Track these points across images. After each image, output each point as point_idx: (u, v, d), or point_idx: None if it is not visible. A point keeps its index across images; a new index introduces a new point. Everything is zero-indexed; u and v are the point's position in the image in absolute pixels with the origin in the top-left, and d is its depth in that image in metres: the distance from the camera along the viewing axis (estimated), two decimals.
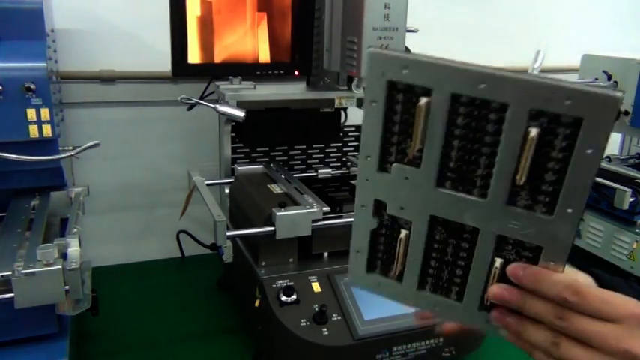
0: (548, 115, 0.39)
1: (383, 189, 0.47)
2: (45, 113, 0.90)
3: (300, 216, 0.99)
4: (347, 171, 1.39)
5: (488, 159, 0.43)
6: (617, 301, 0.43)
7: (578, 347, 0.43)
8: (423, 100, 0.42)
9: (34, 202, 1.04)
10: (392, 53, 0.43)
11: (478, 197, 0.44)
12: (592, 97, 0.38)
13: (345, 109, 1.37)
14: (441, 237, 0.47)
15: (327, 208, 1.01)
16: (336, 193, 1.27)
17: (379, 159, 0.46)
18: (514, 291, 0.46)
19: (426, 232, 0.47)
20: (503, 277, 0.46)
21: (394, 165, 0.46)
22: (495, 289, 0.46)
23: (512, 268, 0.46)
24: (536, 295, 0.45)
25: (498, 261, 0.46)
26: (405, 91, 0.43)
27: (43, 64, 0.90)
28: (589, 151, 0.39)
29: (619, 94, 0.37)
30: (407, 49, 1.11)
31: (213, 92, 1.26)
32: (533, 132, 0.40)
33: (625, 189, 1.34)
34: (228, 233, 0.96)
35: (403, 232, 0.48)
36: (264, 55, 1.18)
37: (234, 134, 1.27)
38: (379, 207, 0.48)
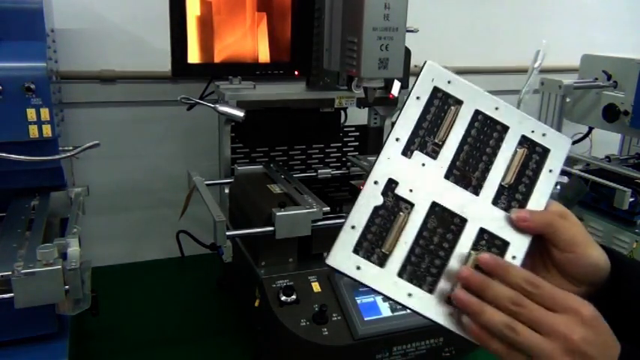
0: (529, 144, 0.57)
1: (400, 170, 0.55)
2: (45, 113, 0.90)
3: (300, 216, 0.99)
4: (347, 171, 1.39)
5: (484, 165, 0.56)
6: (562, 294, 0.50)
7: (535, 334, 0.48)
8: (454, 108, 0.56)
9: (34, 202, 1.05)
10: (444, 69, 0.57)
11: (472, 194, 0.56)
12: (556, 136, 0.58)
13: (344, 109, 1.37)
14: (432, 225, 0.55)
15: (327, 208, 1.01)
16: (336, 193, 1.27)
17: (405, 144, 0.55)
18: (479, 274, 0.52)
19: (424, 217, 0.54)
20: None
21: (415, 152, 0.55)
22: (464, 270, 0.52)
23: (484, 256, 0.52)
24: (498, 282, 0.51)
25: (474, 254, 0.54)
26: (442, 98, 0.57)
27: (43, 64, 0.90)
28: (550, 170, 0.57)
29: (570, 140, 0.58)
30: (407, 50, 1.11)
31: (213, 92, 1.26)
32: (522, 150, 0.57)
33: (625, 189, 1.34)
34: (228, 233, 0.96)
35: (402, 214, 0.54)
36: (264, 55, 1.18)
37: (234, 134, 1.27)
38: (389, 187, 0.55)
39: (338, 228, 0.55)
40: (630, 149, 1.76)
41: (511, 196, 0.56)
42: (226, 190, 1.25)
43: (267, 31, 1.16)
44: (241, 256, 1.09)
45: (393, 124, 1.50)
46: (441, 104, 0.57)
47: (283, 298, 0.94)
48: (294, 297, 0.95)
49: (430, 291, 0.53)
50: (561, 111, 1.53)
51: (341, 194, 1.27)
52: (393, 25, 0.98)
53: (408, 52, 1.17)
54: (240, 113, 1.11)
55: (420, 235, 0.54)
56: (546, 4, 1.85)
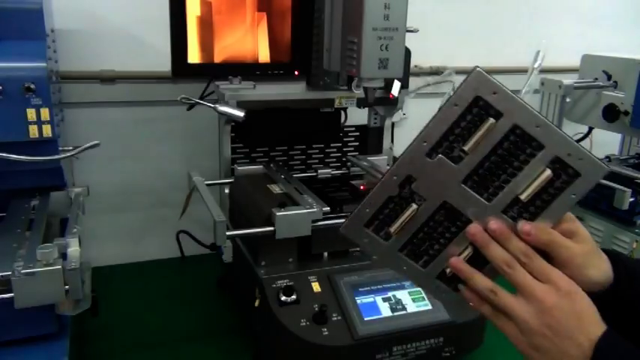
0: (561, 165, 0.56)
1: (420, 169, 0.58)
2: (45, 113, 0.90)
3: (300, 216, 0.99)
4: (347, 171, 1.39)
5: (506, 177, 0.57)
6: (549, 269, 0.55)
7: (511, 297, 0.55)
8: (492, 120, 0.55)
9: (34, 202, 1.05)
10: (491, 78, 0.55)
11: (485, 200, 0.58)
12: (593, 162, 0.55)
13: (345, 109, 1.37)
14: (439, 218, 0.59)
15: (327, 208, 1.01)
16: (336, 193, 1.27)
17: (432, 147, 0.57)
18: (486, 234, 0.57)
19: (433, 210, 0.59)
20: (469, 261, 0.59)
21: (439, 156, 0.57)
22: (474, 226, 0.57)
23: (492, 222, 0.57)
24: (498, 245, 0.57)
25: (470, 247, 0.59)
26: (483, 107, 0.55)
27: (43, 64, 0.90)
28: (573, 196, 0.56)
29: (607, 168, 0.55)
30: (407, 50, 1.11)
31: (213, 92, 1.26)
32: (548, 171, 0.56)
33: (625, 189, 1.34)
34: (228, 233, 0.96)
35: (414, 205, 0.59)
36: (264, 55, 1.18)
37: (234, 134, 1.27)
38: (406, 182, 0.59)
39: (338, 228, 0.60)
40: (630, 149, 1.76)
41: (523, 208, 0.57)
42: (226, 190, 1.25)
43: (267, 31, 1.16)
44: (241, 256, 1.09)
45: (393, 124, 1.50)
46: (480, 113, 0.55)
47: (283, 298, 0.94)
48: (294, 297, 0.95)
49: (424, 267, 0.61)
50: (561, 111, 1.53)
51: (341, 194, 1.27)
52: (393, 25, 0.98)
53: (408, 52, 1.17)
54: (240, 113, 1.11)
55: (426, 224, 0.60)
56: (546, 4, 1.85)
